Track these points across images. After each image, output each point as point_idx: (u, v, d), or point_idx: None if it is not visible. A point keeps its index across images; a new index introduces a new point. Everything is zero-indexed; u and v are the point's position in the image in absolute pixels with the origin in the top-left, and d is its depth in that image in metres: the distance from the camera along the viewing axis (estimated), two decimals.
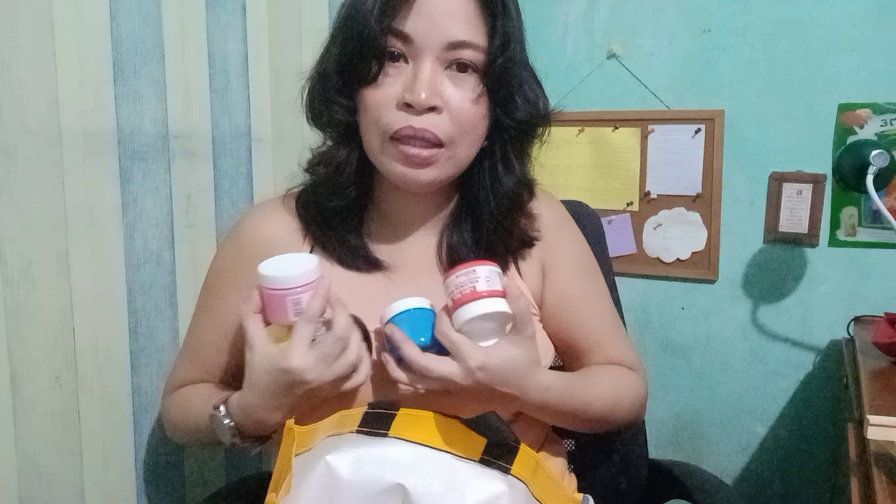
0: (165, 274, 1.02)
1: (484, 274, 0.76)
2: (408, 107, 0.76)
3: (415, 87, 0.75)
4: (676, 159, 1.56)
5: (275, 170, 1.19)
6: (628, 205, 1.62)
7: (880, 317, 1.22)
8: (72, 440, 0.91)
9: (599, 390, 0.86)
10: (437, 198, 0.87)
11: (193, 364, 0.90)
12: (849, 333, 1.39)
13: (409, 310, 0.77)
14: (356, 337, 0.75)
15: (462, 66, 0.77)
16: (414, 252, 0.87)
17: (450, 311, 0.75)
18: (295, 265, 0.75)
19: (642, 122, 1.58)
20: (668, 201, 1.58)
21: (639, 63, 1.58)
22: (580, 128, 1.63)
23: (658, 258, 1.61)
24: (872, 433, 0.84)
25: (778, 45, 1.46)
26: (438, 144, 0.77)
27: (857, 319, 1.40)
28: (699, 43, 1.52)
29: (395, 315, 0.76)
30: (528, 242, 0.89)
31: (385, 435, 0.74)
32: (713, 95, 1.52)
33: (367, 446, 0.73)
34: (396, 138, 0.77)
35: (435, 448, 0.74)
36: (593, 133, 1.62)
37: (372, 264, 0.85)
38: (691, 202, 1.56)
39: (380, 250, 0.86)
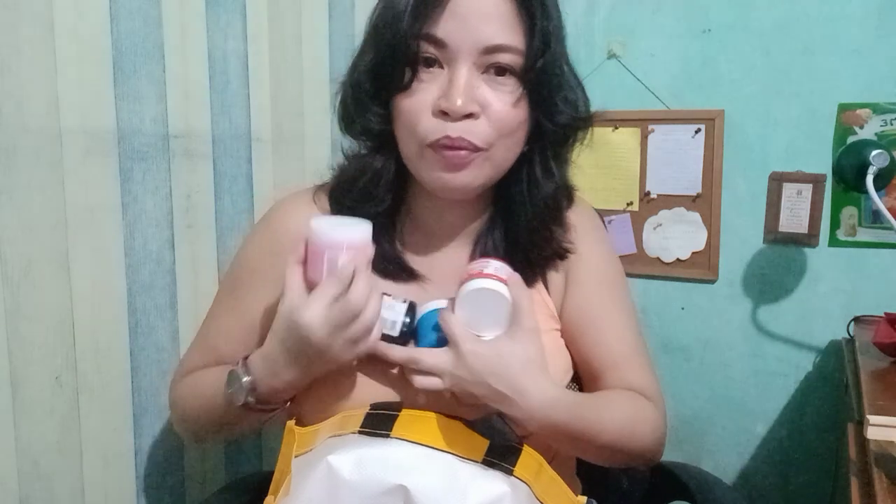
0: (165, 274, 1.02)
1: (494, 264, 0.77)
2: (443, 114, 0.73)
3: (450, 93, 0.73)
4: (676, 159, 1.56)
5: (275, 170, 1.19)
6: (628, 205, 1.62)
7: (880, 317, 1.22)
8: (72, 440, 0.91)
9: (614, 414, 0.80)
10: (472, 206, 0.85)
11: (209, 353, 0.88)
12: (849, 333, 1.39)
13: (428, 312, 0.77)
14: (372, 308, 0.72)
15: (500, 70, 0.75)
16: (447, 261, 0.85)
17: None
18: (344, 226, 0.74)
19: (642, 122, 1.58)
20: (668, 201, 1.58)
21: (639, 63, 1.58)
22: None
23: (658, 258, 1.61)
24: (872, 433, 0.84)
25: (778, 45, 1.46)
26: (475, 149, 0.75)
27: (857, 319, 1.40)
28: (699, 43, 1.52)
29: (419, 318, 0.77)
30: (561, 254, 0.86)
31: (387, 436, 0.74)
32: (713, 95, 1.52)
33: (369, 447, 0.73)
34: (432, 146, 0.75)
35: (437, 449, 0.74)
36: (593, 133, 1.62)
37: (407, 273, 0.83)
38: (691, 202, 1.56)
39: (413, 259, 0.85)
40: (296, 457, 0.74)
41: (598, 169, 1.63)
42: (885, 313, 1.20)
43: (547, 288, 0.88)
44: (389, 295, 0.77)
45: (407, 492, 0.70)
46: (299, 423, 0.78)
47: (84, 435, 0.92)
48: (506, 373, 0.73)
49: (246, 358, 0.77)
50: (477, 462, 0.73)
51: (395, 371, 0.79)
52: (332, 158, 1.31)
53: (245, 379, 0.76)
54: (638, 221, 1.62)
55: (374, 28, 0.79)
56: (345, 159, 0.87)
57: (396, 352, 0.75)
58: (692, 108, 1.54)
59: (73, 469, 0.92)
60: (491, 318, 0.75)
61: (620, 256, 1.58)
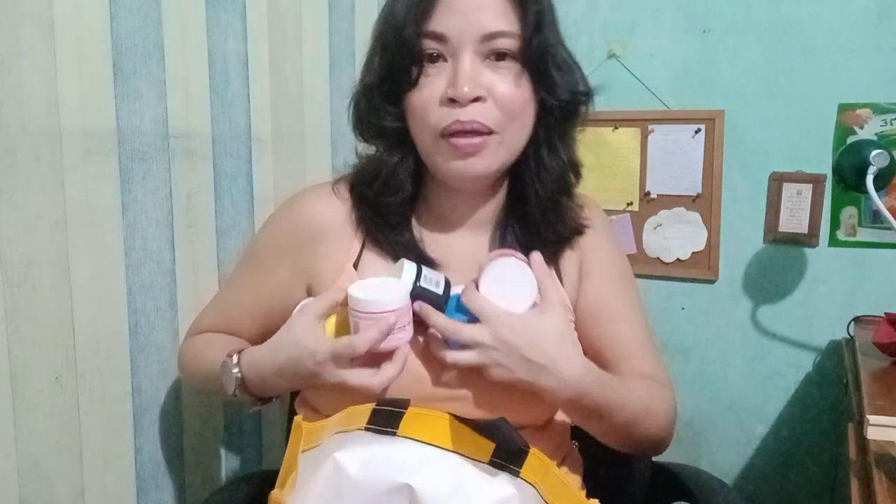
0: (165, 274, 1.02)
1: (514, 252, 0.80)
2: (452, 102, 0.77)
3: (457, 81, 0.77)
4: (676, 159, 1.56)
5: (275, 170, 1.19)
6: (628, 205, 1.62)
7: (880, 317, 1.22)
8: (72, 440, 0.91)
9: (634, 393, 0.84)
10: (487, 194, 0.88)
11: (221, 320, 0.94)
12: (849, 333, 1.39)
13: (452, 296, 0.79)
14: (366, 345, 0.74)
15: (500, 55, 0.79)
16: (465, 251, 0.87)
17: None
18: (379, 292, 0.75)
19: (642, 122, 1.58)
20: (668, 201, 1.58)
21: (639, 63, 1.58)
22: (580, 128, 1.63)
23: (658, 258, 1.61)
24: (872, 433, 0.84)
25: (778, 45, 1.46)
26: (488, 132, 0.79)
27: (857, 319, 1.40)
28: (699, 43, 1.52)
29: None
30: (577, 230, 0.89)
31: (394, 434, 0.74)
32: (713, 95, 1.52)
33: (376, 445, 0.73)
34: (446, 135, 0.79)
35: (444, 449, 0.74)
36: (593, 133, 1.62)
37: (426, 263, 0.85)
38: (691, 202, 1.56)
39: (432, 249, 0.87)
40: (302, 452, 0.75)
41: (598, 169, 1.63)
42: (885, 313, 1.20)
43: (561, 279, 0.89)
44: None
45: (413, 491, 0.70)
46: (315, 412, 0.79)
47: (84, 435, 0.92)
48: (541, 343, 0.75)
49: (241, 352, 0.82)
50: (484, 463, 0.74)
51: (408, 385, 0.79)
52: (333, 158, 1.31)
53: (235, 372, 0.81)
54: (638, 221, 1.62)
55: (379, 35, 0.84)
56: (359, 159, 0.90)
57: (440, 319, 0.77)
58: (692, 108, 1.54)
59: (73, 469, 0.92)
60: (516, 293, 0.77)
61: None
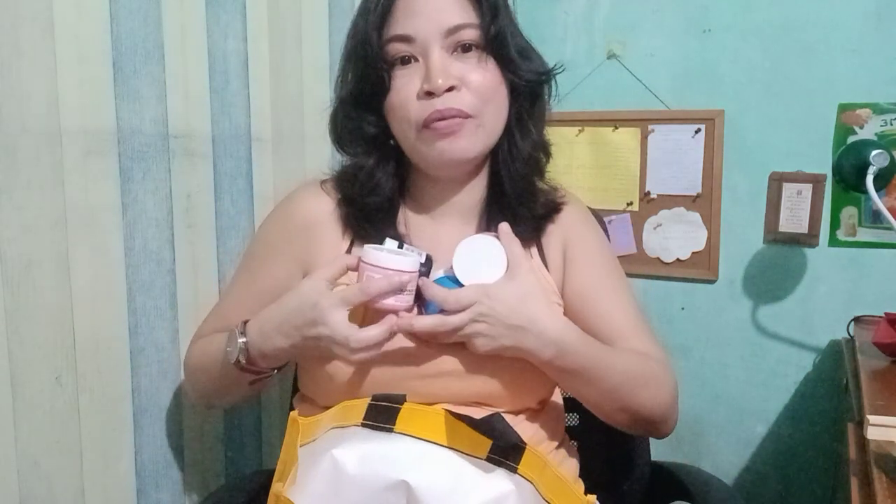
0: (165, 274, 1.02)
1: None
2: (429, 94, 0.82)
3: (430, 75, 0.82)
4: (676, 159, 1.56)
5: (275, 170, 1.19)
6: (628, 205, 1.62)
7: (880, 317, 1.22)
8: (72, 440, 0.91)
9: (623, 359, 0.85)
10: (469, 181, 0.91)
11: (221, 321, 0.94)
12: (849, 333, 1.39)
13: (441, 278, 0.82)
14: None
15: (465, 47, 0.84)
16: (453, 240, 0.87)
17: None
18: (393, 255, 0.79)
19: (642, 122, 1.58)
20: (668, 201, 1.58)
21: (639, 63, 1.58)
22: (580, 128, 1.63)
23: (658, 258, 1.61)
24: (872, 433, 0.84)
25: (778, 45, 1.46)
26: (465, 116, 0.83)
27: (857, 319, 1.40)
28: (699, 43, 1.52)
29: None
30: (553, 208, 0.92)
31: (391, 430, 0.75)
32: (713, 95, 1.52)
33: (373, 441, 0.74)
34: (427, 125, 0.83)
35: (441, 445, 0.74)
36: (593, 133, 1.62)
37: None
38: (691, 202, 1.56)
39: (420, 241, 0.89)
40: (300, 446, 0.75)
41: (598, 169, 1.63)
42: (885, 313, 1.20)
43: (544, 261, 0.92)
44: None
45: (410, 488, 0.70)
46: (313, 404, 0.81)
47: (84, 435, 0.92)
48: (515, 306, 0.77)
49: (247, 322, 0.83)
50: (481, 459, 0.74)
51: (399, 362, 0.81)
52: (333, 158, 1.31)
53: (241, 339, 0.82)
54: (638, 221, 1.62)
55: (348, 49, 0.88)
56: (341, 165, 0.94)
57: (426, 319, 0.78)
58: (692, 108, 1.54)
59: (73, 469, 0.92)
60: (487, 266, 0.80)
61: (620, 256, 1.60)
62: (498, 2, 0.85)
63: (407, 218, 0.92)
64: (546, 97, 0.92)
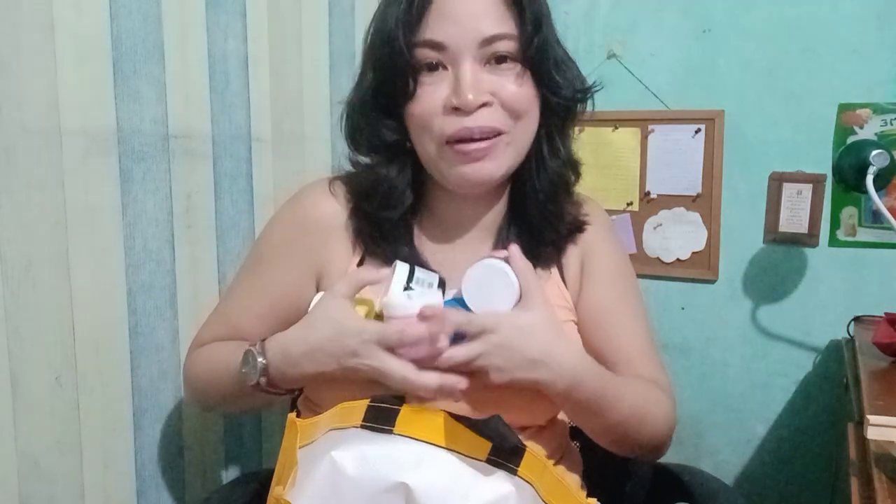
0: (165, 274, 1.02)
1: (491, 254, 0.79)
2: (456, 110, 0.76)
3: (460, 90, 0.76)
4: (676, 159, 1.56)
5: (275, 170, 1.19)
6: (628, 205, 1.62)
7: (880, 317, 1.22)
8: (72, 440, 0.91)
9: (630, 389, 0.83)
10: (491, 200, 0.87)
11: (227, 328, 0.90)
12: (849, 333, 1.39)
13: (445, 302, 0.79)
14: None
15: (500, 59, 0.78)
16: (469, 257, 0.85)
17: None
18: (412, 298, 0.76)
19: (642, 122, 1.58)
20: (668, 201, 1.58)
21: (639, 63, 1.58)
22: (580, 128, 1.62)
23: (658, 258, 1.61)
24: (872, 433, 0.84)
25: (778, 45, 1.46)
26: (496, 134, 0.78)
27: (857, 319, 1.39)
28: (699, 43, 1.52)
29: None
30: (577, 227, 0.89)
31: (390, 431, 0.74)
32: (713, 95, 1.52)
33: (372, 443, 0.73)
34: (452, 142, 0.77)
35: (440, 447, 0.74)
36: (593, 133, 1.62)
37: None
38: (691, 202, 1.56)
39: (435, 258, 0.86)
40: (300, 448, 0.75)
41: (598, 169, 1.63)
42: (885, 313, 1.20)
43: (563, 278, 0.89)
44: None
45: (409, 489, 0.70)
46: (311, 409, 0.80)
47: (84, 435, 0.92)
48: (532, 338, 0.74)
49: (264, 340, 0.79)
50: (480, 461, 0.73)
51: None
52: (333, 158, 1.31)
53: (260, 361, 0.78)
54: (638, 221, 1.62)
55: (371, 46, 0.82)
56: (353, 166, 0.88)
57: (453, 315, 0.75)
58: (692, 108, 1.54)
59: (73, 469, 0.92)
60: (498, 295, 0.76)
61: None
62: (542, 11, 0.80)
63: (422, 233, 0.88)
64: (579, 114, 0.87)
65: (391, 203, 0.84)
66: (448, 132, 0.77)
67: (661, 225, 1.60)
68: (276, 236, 0.91)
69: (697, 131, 1.54)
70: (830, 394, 1.49)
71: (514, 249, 0.78)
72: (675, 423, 0.89)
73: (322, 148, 1.30)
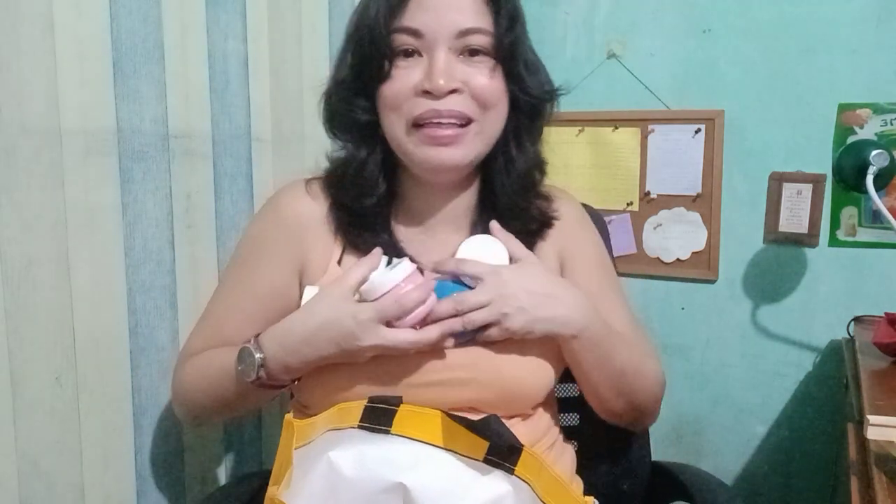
0: (165, 274, 1.02)
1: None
2: (427, 94, 0.79)
3: (432, 75, 0.79)
4: (676, 159, 1.56)
5: (275, 170, 1.19)
6: (628, 205, 1.62)
7: (880, 317, 1.22)
8: (72, 440, 0.91)
9: (627, 343, 0.88)
10: (461, 189, 0.89)
11: (215, 333, 0.90)
12: (849, 333, 1.39)
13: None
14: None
15: (473, 52, 0.81)
16: (444, 247, 0.88)
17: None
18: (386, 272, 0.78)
19: (642, 122, 1.58)
20: (668, 201, 1.58)
21: (639, 63, 1.58)
22: (580, 128, 1.63)
23: (658, 258, 1.61)
24: (872, 433, 0.84)
25: (778, 45, 1.46)
26: (466, 122, 0.81)
27: (857, 319, 1.40)
28: (699, 43, 1.52)
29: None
30: (546, 223, 0.91)
31: (388, 432, 0.74)
32: (713, 95, 1.52)
33: (370, 443, 0.73)
34: (420, 123, 0.80)
35: (437, 447, 0.74)
36: (593, 133, 1.62)
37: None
38: (691, 202, 1.56)
39: (411, 246, 0.88)
40: (296, 448, 0.75)
41: (598, 169, 1.63)
42: (885, 313, 1.20)
43: None
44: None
45: (407, 490, 0.70)
46: (301, 410, 0.79)
47: (84, 435, 0.92)
48: (538, 283, 0.80)
49: (258, 336, 0.80)
50: (478, 461, 0.74)
51: (393, 373, 0.80)
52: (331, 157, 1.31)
53: (257, 355, 0.78)
54: (638, 221, 1.62)
55: (353, 31, 0.85)
56: (329, 162, 0.92)
57: (443, 303, 0.78)
58: (692, 108, 1.54)
59: (73, 469, 0.92)
60: (492, 261, 0.81)
61: (620, 256, 1.60)
62: (517, 11, 0.84)
63: (397, 224, 0.90)
64: (547, 115, 0.89)
65: (364, 189, 0.86)
66: (416, 113, 0.80)
67: (661, 225, 1.60)
68: (257, 237, 0.92)
69: (697, 131, 1.54)
70: (830, 394, 1.49)
71: (494, 224, 0.85)
72: (665, 383, 0.93)
73: (322, 148, 1.29)
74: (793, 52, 1.45)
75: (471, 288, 0.80)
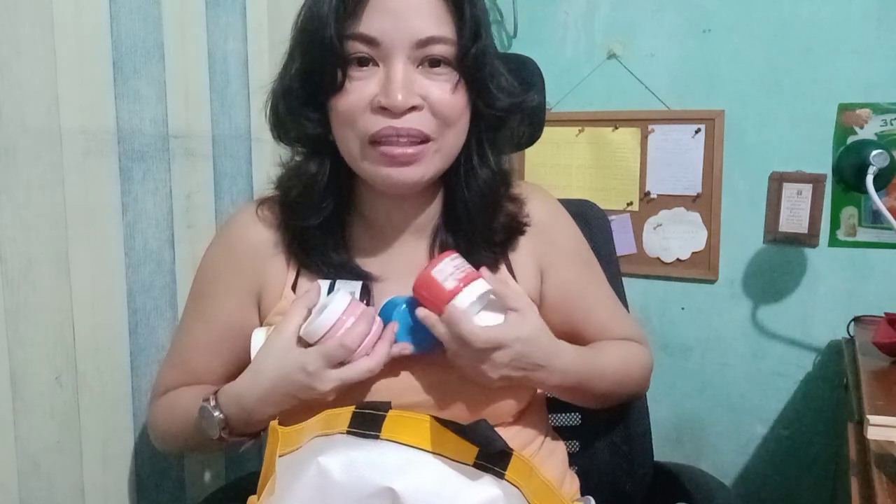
0: (165, 274, 1.02)
1: (453, 262, 0.78)
2: (384, 110, 0.73)
3: (389, 89, 0.72)
4: (676, 159, 1.56)
5: (275, 170, 1.18)
6: (628, 205, 1.62)
7: (880, 317, 1.22)
8: (72, 440, 0.91)
9: (612, 359, 0.88)
10: (422, 200, 0.84)
11: (181, 370, 0.88)
12: (849, 333, 1.39)
13: (391, 303, 0.79)
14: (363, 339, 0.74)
15: (434, 62, 0.75)
16: (403, 258, 0.85)
17: (444, 297, 0.75)
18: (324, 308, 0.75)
19: (642, 122, 1.58)
20: (668, 201, 1.58)
21: (639, 63, 1.58)
22: (580, 128, 1.63)
23: (658, 258, 1.61)
24: (872, 433, 0.84)
25: (778, 45, 1.46)
26: (425, 140, 0.75)
27: (857, 319, 1.40)
28: (699, 43, 1.52)
29: (396, 308, 0.78)
30: (517, 230, 0.86)
31: (377, 437, 0.73)
32: (713, 95, 1.52)
33: (360, 448, 0.72)
34: (376, 141, 0.74)
35: (427, 451, 0.74)
36: (593, 133, 1.62)
37: (359, 277, 0.82)
38: (691, 202, 1.56)
39: (367, 261, 0.84)
40: (280, 456, 0.74)
41: (598, 169, 1.63)
42: (885, 313, 1.20)
43: (513, 273, 0.87)
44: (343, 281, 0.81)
45: (396, 494, 0.69)
46: (283, 421, 0.78)
47: (84, 435, 0.92)
48: (542, 348, 0.78)
49: (216, 393, 0.78)
50: (468, 465, 0.73)
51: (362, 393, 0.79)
52: None
53: (216, 415, 0.76)
54: (638, 221, 1.62)
55: (300, 33, 0.78)
56: (282, 167, 0.86)
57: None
58: (692, 108, 1.54)
59: (73, 469, 0.92)
60: (489, 313, 0.78)
61: (621, 256, 1.59)
62: (481, 19, 0.77)
63: (354, 236, 0.85)
64: (514, 127, 0.83)
65: (311, 209, 0.80)
66: (372, 130, 0.73)
67: (661, 225, 1.60)
68: (211, 270, 0.88)
69: (697, 131, 1.54)
70: (830, 394, 1.49)
71: (485, 272, 0.79)
72: (652, 365, 0.95)
73: None
74: (793, 52, 1.45)
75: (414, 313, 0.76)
